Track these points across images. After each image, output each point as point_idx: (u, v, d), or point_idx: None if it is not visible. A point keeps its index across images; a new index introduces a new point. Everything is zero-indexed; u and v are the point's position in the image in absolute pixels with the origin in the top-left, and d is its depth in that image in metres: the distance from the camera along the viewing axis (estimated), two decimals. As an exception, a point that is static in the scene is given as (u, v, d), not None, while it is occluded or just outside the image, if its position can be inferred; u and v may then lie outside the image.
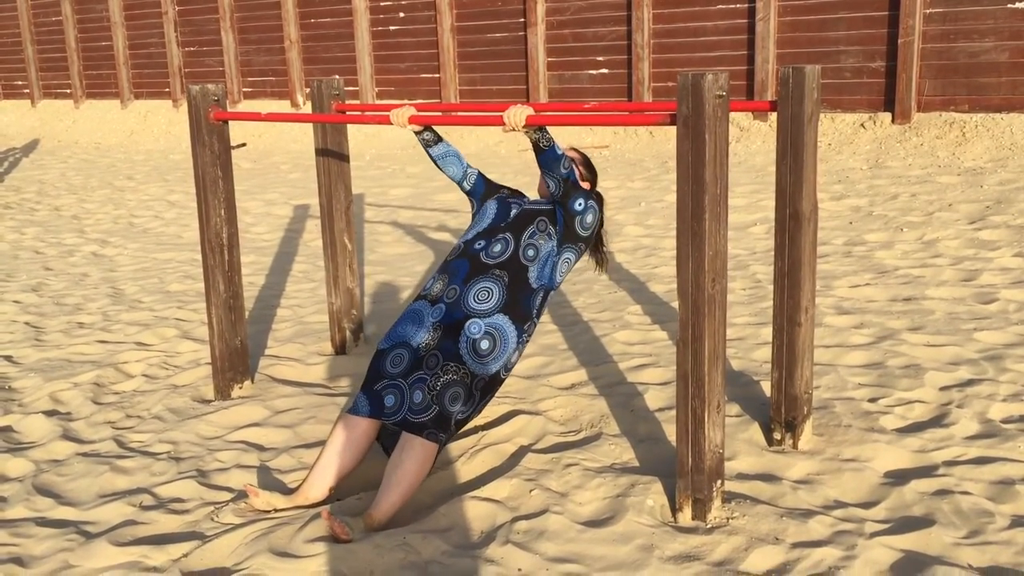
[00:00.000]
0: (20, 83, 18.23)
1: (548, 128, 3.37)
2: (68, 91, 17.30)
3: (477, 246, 3.54)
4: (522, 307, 3.45)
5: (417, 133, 3.75)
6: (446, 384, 3.29)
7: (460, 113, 9.44)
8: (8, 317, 6.00)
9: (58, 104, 17.47)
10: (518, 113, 3.22)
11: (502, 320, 3.39)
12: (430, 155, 3.85)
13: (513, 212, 3.62)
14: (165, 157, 13.49)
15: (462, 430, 3.85)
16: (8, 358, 5.19)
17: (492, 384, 3.44)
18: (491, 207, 3.70)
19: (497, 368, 3.40)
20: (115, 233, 8.69)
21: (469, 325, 3.35)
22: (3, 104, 18.50)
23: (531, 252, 3.49)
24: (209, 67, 14.96)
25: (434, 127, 3.88)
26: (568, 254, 3.58)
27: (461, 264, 3.50)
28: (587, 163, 3.77)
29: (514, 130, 3.27)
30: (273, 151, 13.09)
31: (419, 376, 3.31)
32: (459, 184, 3.87)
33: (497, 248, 3.49)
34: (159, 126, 15.36)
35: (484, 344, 3.35)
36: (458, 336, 3.34)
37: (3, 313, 6.09)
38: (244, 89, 14.60)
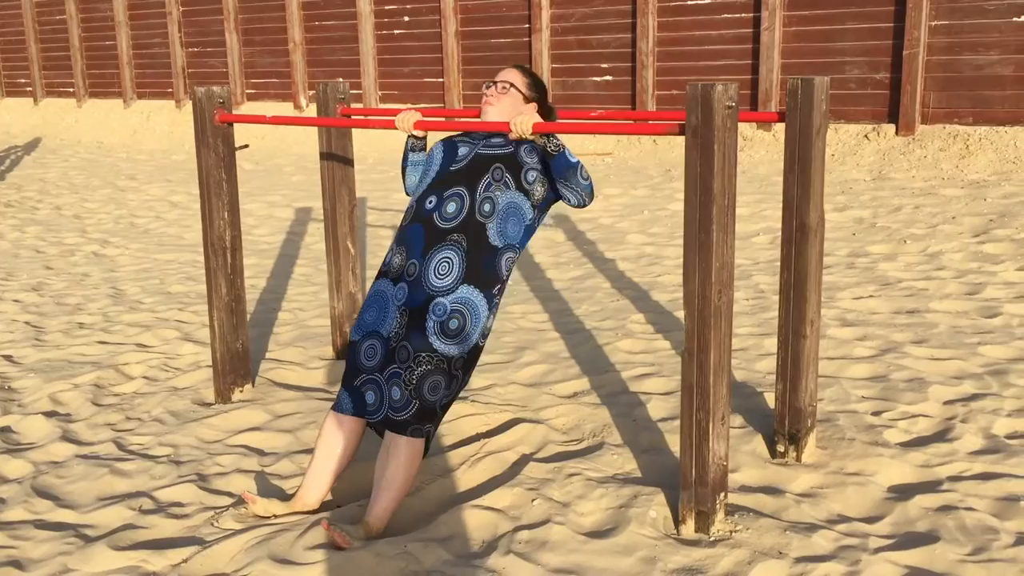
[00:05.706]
0: (23, 81, 18.22)
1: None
2: (71, 90, 17.28)
3: (428, 205, 3.26)
4: (486, 272, 3.21)
5: (418, 139, 3.57)
6: (422, 376, 3.13)
7: (466, 119, 9.42)
8: (8, 316, 5.98)
9: (61, 102, 17.46)
10: (524, 121, 3.20)
11: (467, 292, 3.17)
12: (408, 159, 3.58)
13: (462, 153, 3.34)
14: (167, 157, 13.48)
15: (464, 440, 3.84)
16: (8, 358, 5.17)
17: (472, 358, 3.26)
18: (437, 152, 3.42)
19: (474, 341, 3.21)
20: (116, 233, 8.67)
21: (434, 307, 3.14)
22: (6, 102, 18.49)
23: (487, 207, 3.23)
24: (212, 68, 14.95)
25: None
26: (540, 216, 3.37)
27: (416, 232, 3.25)
28: (536, 83, 3.51)
29: (521, 138, 3.24)
30: (276, 153, 13.08)
31: (393, 371, 3.17)
32: (412, 193, 3.58)
33: (451, 208, 3.23)
34: (162, 126, 15.35)
35: (453, 324, 3.14)
36: (424, 321, 3.14)
37: (3, 312, 6.07)
38: (247, 91, 14.59)
